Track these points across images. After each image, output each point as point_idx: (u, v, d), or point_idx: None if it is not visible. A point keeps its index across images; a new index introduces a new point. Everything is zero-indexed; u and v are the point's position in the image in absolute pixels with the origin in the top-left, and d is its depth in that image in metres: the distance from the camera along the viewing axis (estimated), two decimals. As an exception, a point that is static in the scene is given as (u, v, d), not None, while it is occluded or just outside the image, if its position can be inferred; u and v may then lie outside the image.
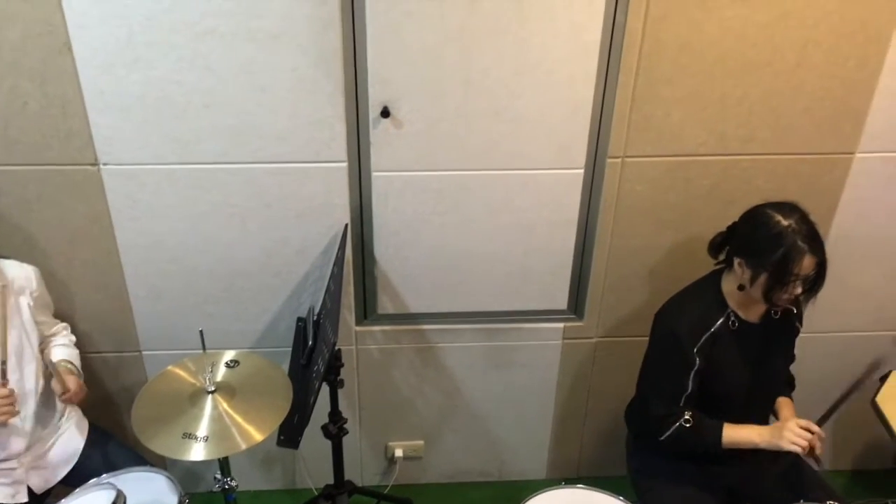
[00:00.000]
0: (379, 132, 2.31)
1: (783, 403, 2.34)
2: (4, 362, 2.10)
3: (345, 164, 2.35)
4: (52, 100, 2.20)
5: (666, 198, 2.47)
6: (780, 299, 2.03)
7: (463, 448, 3.01)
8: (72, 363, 2.33)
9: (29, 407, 2.17)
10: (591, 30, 2.19)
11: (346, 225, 2.44)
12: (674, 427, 2.15)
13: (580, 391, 2.90)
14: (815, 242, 1.97)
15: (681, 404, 2.16)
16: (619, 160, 2.40)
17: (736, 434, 2.14)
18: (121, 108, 2.22)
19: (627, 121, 2.33)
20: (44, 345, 2.32)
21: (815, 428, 2.08)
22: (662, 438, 2.17)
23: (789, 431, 2.07)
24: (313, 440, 2.49)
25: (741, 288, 2.10)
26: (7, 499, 2.15)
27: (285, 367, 2.37)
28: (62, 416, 2.32)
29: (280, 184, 2.37)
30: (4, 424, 2.10)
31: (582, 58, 2.23)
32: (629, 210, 2.50)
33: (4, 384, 2.08)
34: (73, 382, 2.22)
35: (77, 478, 2.21)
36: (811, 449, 2.07)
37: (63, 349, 2.36)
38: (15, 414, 2.10)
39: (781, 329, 2.24)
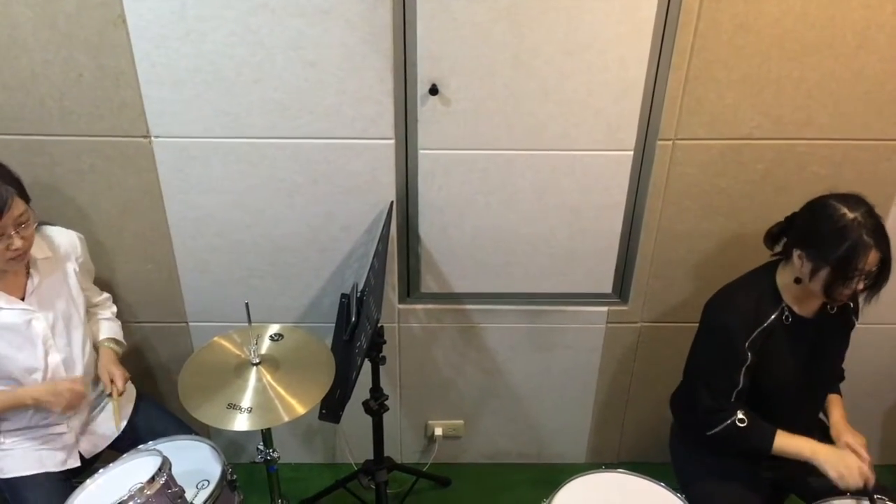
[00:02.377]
0: (427, 109, 2.30)
1: (833, 402, 2.27)
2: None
3: (392, 142, 2.35)
4: (106, 72, 2.23)
5: (717, 182, 2.42)
6: (841, 294, 1.97)
7: (503, 429, 3.01)
8: (116, 340, 2.39)
9: (76, 371, 2.21)
10: (646, 8, 2.14)
11: (392, 202, 2.44)
12: (724, 424, 2.10)
13: (623, 376, 2.87)
14: (881, 237, 1.90)
15: (731, 400, 2.11)
16: (669, 142, 2.36)
17: (787, 444, 2.09)
18: (173, 81, 2.24)
19: (679, 102, 2.29)
20: (89, 315, 2.36)
21: (868, 473, 2.02)
22: (710, 433, 2.13)
23: (846, 468, 2.00)
24: (354, 416, 2.50)
25: (798, 281, 2.05)
26: (57, 466, 2.20)
27: (328, 342, 2.39)
28: (110, 382, 2.36)
29: (327, 160, 2.37)
30: (61, 414, 2.16)
31: (635, 37, 2.18)
32: (679, 194, 2.45)
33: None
34: (120, 378, 2.28)
35: (124, 443, 2.26)
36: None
37: (108, 324, 2.40)
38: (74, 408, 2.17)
39: (837, 324, 2.18)
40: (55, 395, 2.09)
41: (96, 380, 2.32)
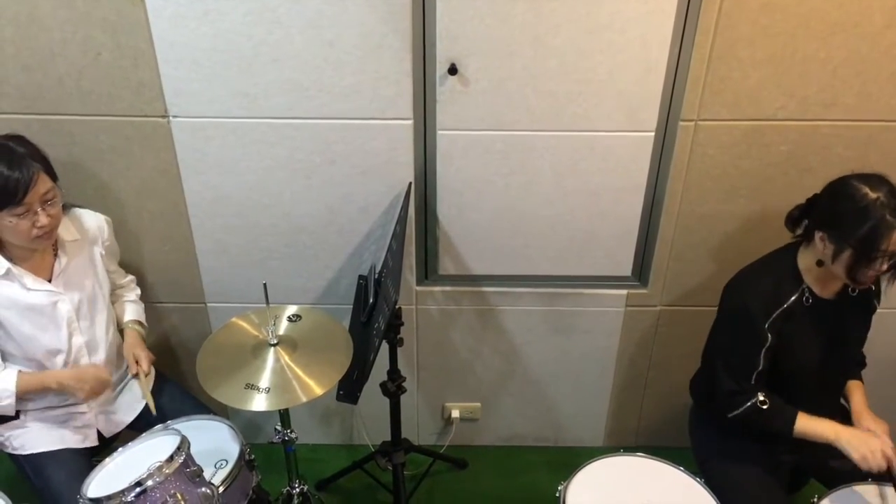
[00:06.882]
0: (445, 90, 2.27)
1: (854, 388, 2.25)
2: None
3: (410, 122, 2.33)
4: (124, 51, 2.22)
5: (740, 164, 2.39)
6: (864, 276, 1.94)
7: (520, 412, 3.00)
8: (141, 322, 2.41)
9: (99, 354, 2.23)
10: (669, -14, 2.11)
11: (410, 183, 2.43)
12: (745, 406, 2.09)
13: (641, 359, 2.85)
14: None
15: (752, 382, 2.09)
16: (691, 123, 2.33)
17: (810, 427, 2.06)
18: (191, 60, 2.23)
19: (702, 83, 2.25)
20: (114, 297, 2.38)
21: (892, 455, 1.98)
22: (731, 416, 2.12)
23: (869, 450, 1.96)
24: (371, 398, 2.50)
25: (820, 263, 2.02)
26: (77, 444, 2.22)
27: (346, 323, 2.38)
28: (130, 362, 2.38)
29: (345, 140, 2.36)
30: (83, 400, 2.18)
31: (657, 15, 2.15)
32: (700, 176, 2.42)
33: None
34: (145, 360, 2.30)
35: (143, 423, 2.27)
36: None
37: (133, 307, 2.42)
38: (97, 395, 2.19)
39: (858, 307, 2.15)
40: (80, 381, 2.11)
41: (119, 362, 2.34)
